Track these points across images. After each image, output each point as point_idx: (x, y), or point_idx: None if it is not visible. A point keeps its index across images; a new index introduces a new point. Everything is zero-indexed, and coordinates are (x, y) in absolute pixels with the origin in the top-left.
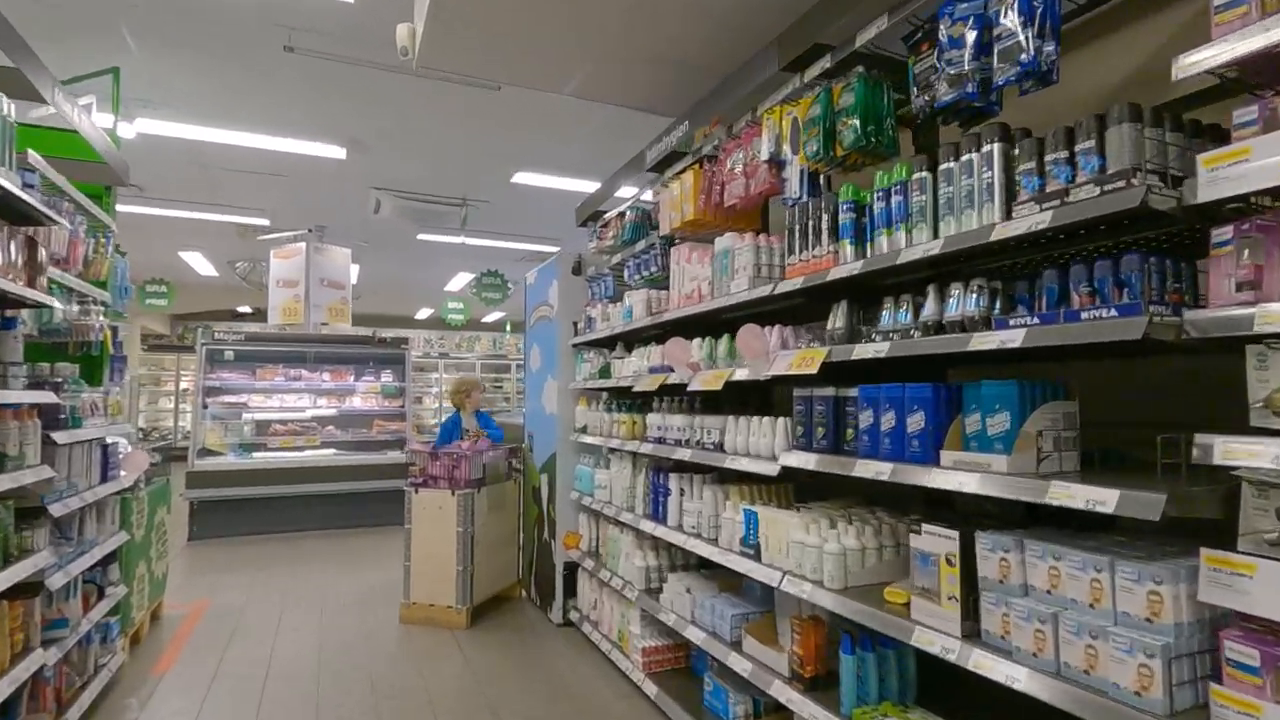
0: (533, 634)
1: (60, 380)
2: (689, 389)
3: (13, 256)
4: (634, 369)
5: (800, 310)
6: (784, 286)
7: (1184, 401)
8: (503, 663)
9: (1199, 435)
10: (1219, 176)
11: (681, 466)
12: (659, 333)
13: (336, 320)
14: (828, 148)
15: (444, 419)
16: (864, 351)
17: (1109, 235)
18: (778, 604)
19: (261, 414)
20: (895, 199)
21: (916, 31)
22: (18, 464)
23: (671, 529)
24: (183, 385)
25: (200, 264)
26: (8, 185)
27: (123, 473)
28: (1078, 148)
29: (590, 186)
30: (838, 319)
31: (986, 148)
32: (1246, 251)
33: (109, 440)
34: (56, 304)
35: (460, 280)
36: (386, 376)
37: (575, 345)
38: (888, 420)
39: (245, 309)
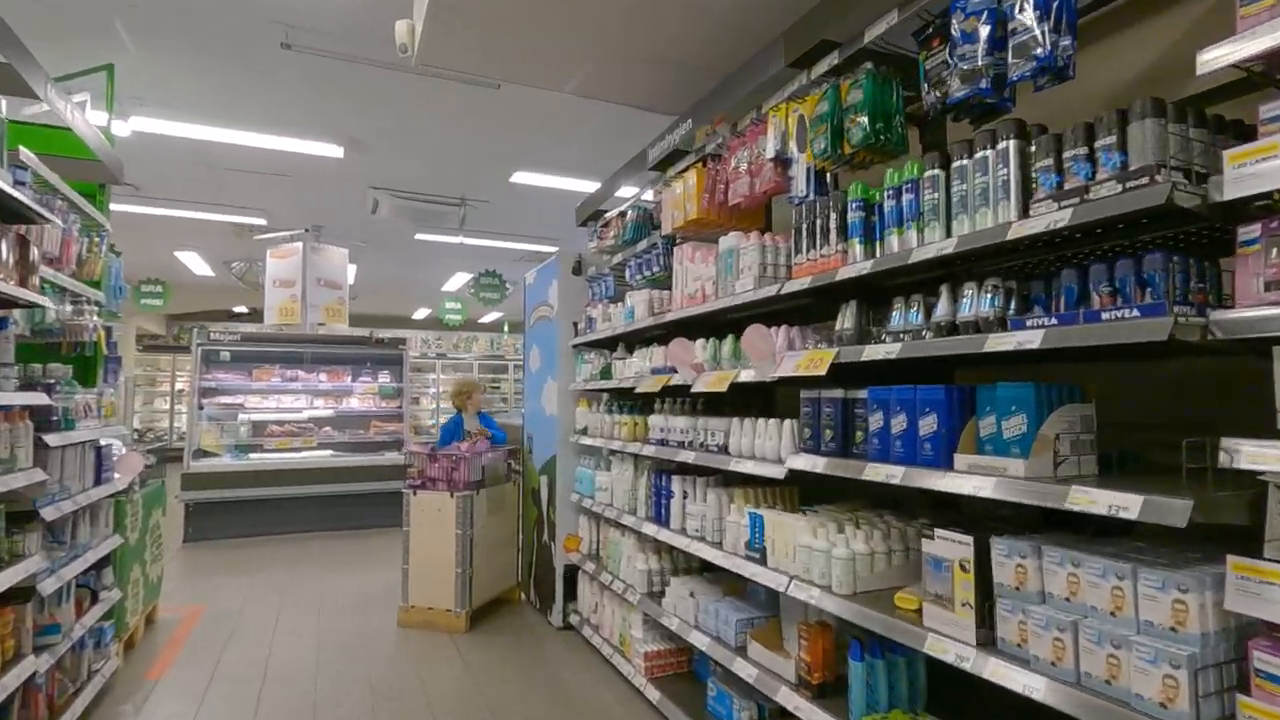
0: (532, 637)
1: (53, 382)
2: (693, 390)
3: (4, 255)
4: (636, 370)
5: (807, 311)
6: (791, 286)
7: (1196, 403)
8: (502, 666)
9: (1225, 439)
10: (1245, 173)
11: (684, 469)
12: (661, 333)
13: (333, 320)
14: (835, 145)
15: (444, 420)
16: (874, 353)
17: (1125, 234)
18: (783, 609)
19: (258, 415)
20: (906, 197)
21: (927, 27)
22: (9, 467)
23: (675, 532)
24: (178, 386)
25: (196, 264)
26: None
27: (117, 475)
28: (1098, 144)
29: (590, 186)
30: (846, 319)
31: (1002, 144)
32: (1275, 250)
33: (103, 442)
34: (49, 304)
35: (458, 280)
36: (384, 377)
37: (575, 346)
38: (899, 423)
39: (241, 309)
